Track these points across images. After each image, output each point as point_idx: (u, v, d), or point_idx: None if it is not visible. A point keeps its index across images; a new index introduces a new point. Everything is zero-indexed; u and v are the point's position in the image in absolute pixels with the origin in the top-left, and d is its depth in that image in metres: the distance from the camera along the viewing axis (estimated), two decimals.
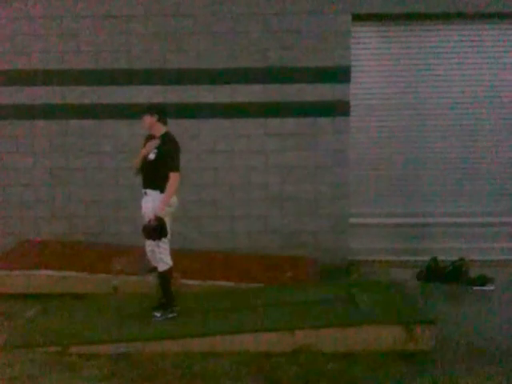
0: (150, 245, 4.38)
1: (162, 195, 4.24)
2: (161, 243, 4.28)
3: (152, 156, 4.28)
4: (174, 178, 4.25)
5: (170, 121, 4.58)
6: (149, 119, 4.35)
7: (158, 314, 4.34)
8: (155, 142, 4.32)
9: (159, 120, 4.36)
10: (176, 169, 4.28)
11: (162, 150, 4.28)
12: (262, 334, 3.99)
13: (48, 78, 6.13)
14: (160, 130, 4.38)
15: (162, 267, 4.35)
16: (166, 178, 4.25)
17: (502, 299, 5.17)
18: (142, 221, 4.40)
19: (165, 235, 4.24)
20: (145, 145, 4.43)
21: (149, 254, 4.45)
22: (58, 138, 6.20)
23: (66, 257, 5.57)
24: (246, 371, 3.66)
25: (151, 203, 4.27)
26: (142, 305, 4.55)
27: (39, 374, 3.58)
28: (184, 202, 5.72)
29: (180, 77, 6.11)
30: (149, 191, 4.31)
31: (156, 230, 4.17)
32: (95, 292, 5.02)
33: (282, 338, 3.97)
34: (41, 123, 6.19)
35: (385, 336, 3.97)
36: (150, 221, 4.18)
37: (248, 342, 3.96)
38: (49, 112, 6.17)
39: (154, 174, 4.28)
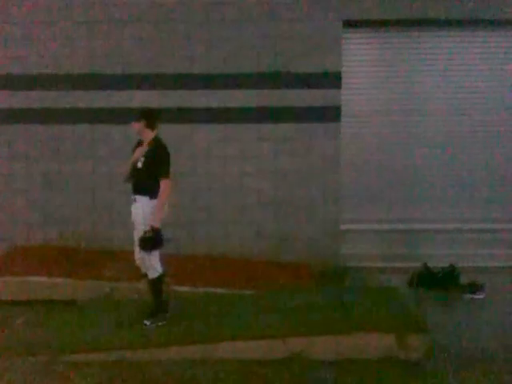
0: (139, 252, 4.37)
1: (152, 201, 4.24)
2: (145, 251, 4.27)
3: (139, 164, 4.29)
4: (165, 184, 4.25)
5: (163, 125, 4.61)
6: (137, 125, 4.38)
7: (148, 322, 4.33)
8: (143, 149, 4.33)
9: (147, 126, 4.37)
10: (166, 175, 4.28)
11: (150, 156, 4.28)
12: (255, 342, 4.00)
13: (42, 82, 6.12)
14: (149, 135, 4.39)
15: (152, 274, 4.35)
16: (154, 184, 4.25)
17: (493, 306, 5.20)
18: (133, 227, 4.41)
19: (160, 245, 4.24)
20: (134, 150, 4.44)
21: (137, 261, 4.43)
22: (51, 143, 6.19)
23: (58, 262, 5.54)
24: (239, 379, 3.67)
25: (141, 209, 4.27)
26: (134, 311, 4.55)
27: (30, 382, 3.58)
28: (177, 207, 5.73)
29: (174, 82, 6.11)
30: (138, 197, 4.30)
31: (152, 240, 4.17)
32: (87, 298, 5.01)
33: (274, 346, 3.97)
34: (35, 127, 6.17)
35: (377, 343, 3.98)
36: (145, 232, 4.17)
37: (241, 348, 3.97)
38: (43, 116, 6.16)
39: (143, 180, 4.28)
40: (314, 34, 6.04)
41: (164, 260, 4.41)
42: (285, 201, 6.19)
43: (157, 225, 4.19)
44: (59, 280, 5.15)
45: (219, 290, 5.13)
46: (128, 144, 5.08)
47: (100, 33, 6.07)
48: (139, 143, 4.47)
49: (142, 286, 4.66)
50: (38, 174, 6.21)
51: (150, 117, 4.42)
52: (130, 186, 4.45)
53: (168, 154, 4.35)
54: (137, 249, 4.39)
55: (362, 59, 6.33)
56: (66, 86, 6.13)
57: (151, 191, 4.25)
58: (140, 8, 6.04)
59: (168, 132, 4.74)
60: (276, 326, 4.19)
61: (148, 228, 4.17)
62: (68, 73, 6.12)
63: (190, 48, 6.08)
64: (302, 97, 6.08)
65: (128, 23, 6.06)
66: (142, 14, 6.05)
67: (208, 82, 6.11)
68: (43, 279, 5.15)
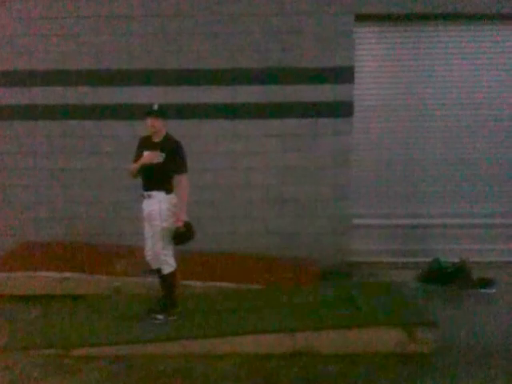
0: (150, 248, 4.36)
1: (168, 196, 4.25)
2: (166, 245, 4.27)
3: (160, 158, 4.23)
4: (185, 179, 4.28)
5: (170, 121, 4.61)
6: (161, 123, 4.33)
7: (161, 317, 4.32)
8: (157, 151, 4.26)
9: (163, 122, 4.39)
10: (186, 170, 4.31)
11: (169, 152, 4.25)
12: (263, 336, 4.00)
13: (48, 78, 6.12)
14: (163, 131, 4.38)
15: (166, 269, 4.34)
16: (170, 179, 4.26)
17: (504, 302, 5.16)
18: (142, 223, 4.40)
19: (192, 238, 4.31)
20: (141, 147, 4.39)
21: (148, 257, 4.42)
22: (58, 139, 6.19)
23: (66, 258, 5.55)
24: (246, 373, 3.67)
25: (157, 205, 4.25)
26: (142, 306, 4.54)
27: (40, 376, 3.60)
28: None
29: (180, 77, 6.10)
30: (154, 193, 4.26)
31: (186, 234, 4.26)
32: (96, 293, 5.03)
33: (282, 340, 3.97)
34: (41, 124, 6.18)
35: (386, 338, 3.97)
36: (177, 228, 4.21)
37: (248, 343, 3.97)
38: (49, 112, 6.17)
39: (160, 176, 4.26)
40: (324, 28, 5.98)
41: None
42: (293, 197, 6.16)
43: (186, 219, 4.25)
44: (68, 275, 5.16)
45: (227, 285, 5.12)
46: (134, 140, 5.10)
47: (106, 28, 6.06)
48: (147, 139, 4.43)
49: (152, 280, 4.65)
50: (44, 169, 6.21)
51: (167, 113, 4.44)
52: (136, 181, 4.42)
53: (184, 149, 4.35)
54: (148, 244, 4.38)
55: (373, 54, 6.28)
56: (72, 81, 6.12)
57: (167, 186, 4.26)
58: (146, 3, 6.03)
59: (175, 128, 4.73)
60: (284, 321, 4.18)
61: (180, 224, 4.20)
62: (74, 69, 6.11)
63: (197, 43, 6.05)
64: (313, 92, 6.02)
65: (133, 19, 6.05)
66: (147, 9, 6.04)
67: (215, 77, 6.08)
68: (52, 274, 5.15)
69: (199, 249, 5.91)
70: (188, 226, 4.28)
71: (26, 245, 5.97)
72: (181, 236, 4.25)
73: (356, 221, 6.30)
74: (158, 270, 4.40)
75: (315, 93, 6.05)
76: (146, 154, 4.29)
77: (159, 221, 4.23)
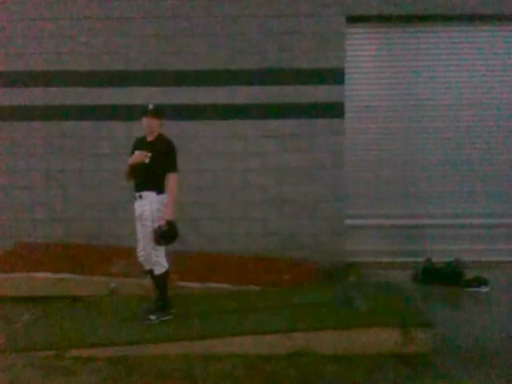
0: (143, 249, 4.35)
1: (158, 196, 4.24)
2: (157, 246, 4.26)
3: (147, 160, 4.24)
4: (174, 178, 4.26)
5: (168, 122, 4.62)
6: (157, 123, 4.33)
7: (153, 317, 4.32)
8: (147, 151, 4.27)
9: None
10: (176, 169, 4.30)
11: (160, 151, 4.26)
12: (261, 337, 3.99)
13: (46, 79, 6.12)
14: (157, 131, 4.38)
15: (158, 270, 4.34)
16: (161, 179, 4.26)
17: (498, 301, 5.18)
18: (135, 224, 4.40)
19: (175, 239, 4.24)
20: (134, 147, 4.39)
21: (141, 258, 4.42)
22: (55, 140, 6.18)
23: (63, 259, 5.54)
24: (245, 374, 3.67)
25: (149, 205, 4.24)
26: (140, 307, 4.53)
27: (37, 378, 3.58)
28: (182, 203, 5.72)
29: (178, 78, 6.11)
30: (145, 193, 4.26)
31: (167, 234, 4.17)
32: (93, 294, 5.01)
33: (281, 341, 3.96)
34: (38, 125, 6.17)
35: (383, 338, 3.97)
36: (159, 226, 4.16)
37: (247, 344, 3.96)
38: (46, 113, 6.16)
39: (151, 176, 4.26)
40: (317, 29, 6.03)
41: (169, 257, 4.40)
42: (289, 197, 6.18)
43: (171, 218, 4.19)
44: (64, 276, 5.15)
45: (224, 286, 5.12)
46: (132, 141, 5.11)
47: (103, 30, 6.06)
48: (142, 140, 4.43)
49: (147, 281, 4.64)
50: (41, 171, 6.20)
51: (162, 113, 4.44)
52: (132, 182, 4.41)
53: (176, 149, 4.36)
54: (140, 245, 4.38)
55: (365, 55, 6.32)
56: (69, 83, 6.12)
57: (159, 186, 4.26)
58: (143, 5, 6.03)
59: (172, 129, 4.72)
60: (283, 322, 4.18)
61: (163, 222, 4.16)
62: (71, 70, 6.11)
63: (194, 45, 6.07)
64: (306, 93, 6.07)
65: (131, 20, 6.05)
66: (145, 10, 6.04)
67: (212, 78, 6.09)
68: (48, 275, 5.14)
69: (198, 249, 5.96)
70: (171, 225, 4.19)
71: (23, 246, 5.96)
72: (160, 235, 4.15)
73: (352, 221, 6.32)
74: (151, 271, 4.40)
75: (312, 93, 6.07)
76: (135, 153, 4.32)
77: (150, 221, 4.22)
